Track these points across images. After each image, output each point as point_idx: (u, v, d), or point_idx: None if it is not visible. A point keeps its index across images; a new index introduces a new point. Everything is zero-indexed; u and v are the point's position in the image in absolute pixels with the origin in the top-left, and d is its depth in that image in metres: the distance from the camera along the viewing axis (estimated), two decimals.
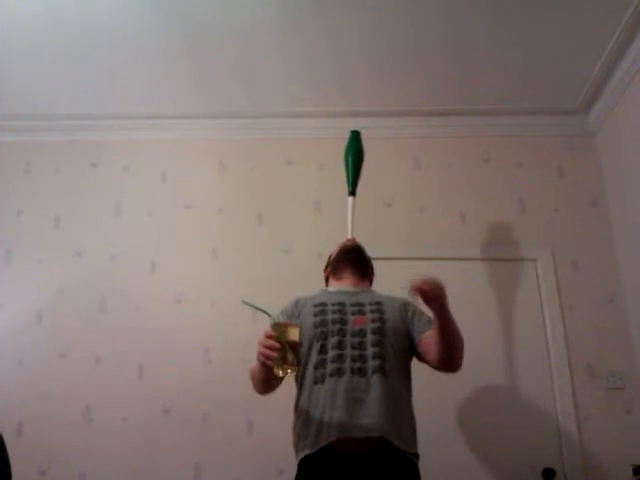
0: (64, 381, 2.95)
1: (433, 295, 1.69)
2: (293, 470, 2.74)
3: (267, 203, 3.29)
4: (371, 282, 2.28)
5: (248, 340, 2.97)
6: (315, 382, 1.86)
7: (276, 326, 1.75)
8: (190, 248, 3.20)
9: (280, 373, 1.73)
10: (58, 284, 3.14)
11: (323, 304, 2.01)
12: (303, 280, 3.06)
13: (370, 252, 3.05)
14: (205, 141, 3.44)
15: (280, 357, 1.69)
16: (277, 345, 1.68)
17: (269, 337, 1.70)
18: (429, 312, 1.85)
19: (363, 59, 3.00)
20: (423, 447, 2.67)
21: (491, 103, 3.30)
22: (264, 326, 3.19)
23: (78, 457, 2.82)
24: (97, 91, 3.23)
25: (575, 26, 2.78)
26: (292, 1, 2.66)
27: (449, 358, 1.87)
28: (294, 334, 1.73)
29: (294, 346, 1.72)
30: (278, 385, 1.97)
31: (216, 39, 2.88)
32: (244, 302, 1.88)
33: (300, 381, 1.94)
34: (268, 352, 1.67)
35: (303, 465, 1.83)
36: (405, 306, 2.04)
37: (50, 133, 3.45)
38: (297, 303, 2.09)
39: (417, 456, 1.87)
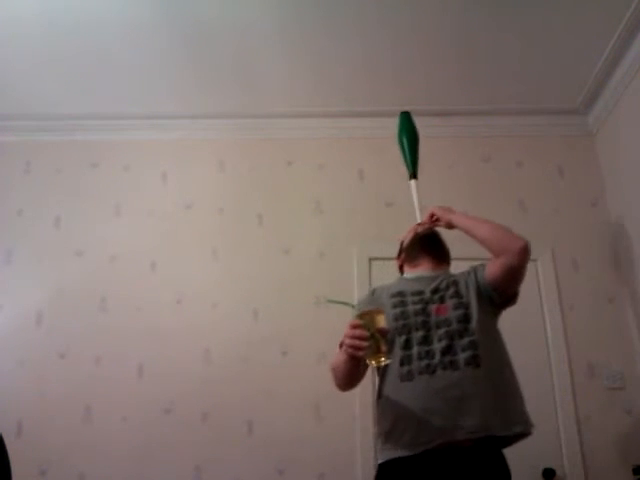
0: (64, 381, 2.95)
1: (438, 220, 1.99)
2: (293, 470, 2.77)
3: (267, 203, 3.29)
4: (449, 263, 2.13)
5: (248, 340, 3.00)
6: (402, 379, 1.75)
7: (362, 315, 1.62)
8: (190, 248, 3.20)
9: (374, 363, 1.61)
10: (58, 284, 3.14)
11: (401, 293, 1.91)
12: (303, 280, 3.08)
13: (370, 252, 3.07)
14: (205, 141, 3.44)
15: (372, 346, 1.57)
16: (367, 334, 1.56)
17: (356, 326, 1.57)
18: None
19: (363, 59, 3.00)
20: None
21: (491, 103, 3.30)
22: (264, 326, 3.21)
23: (78, 457, 2.82)
24: (97, 91, 3.23)
25: (575, 26, 2.78)
26: (292, 1, 2.66)
27: (502, 245, 1.88)
28: (382, 321, 1.61)
29: (384, 334, 1.60)
30: (362, 379, 1.86)
31: (216, 39, 2.88)
32: (329, 300, 1.81)
33: (382, 376, 1.83)
34: (357, 342, 1.55)
35: (394, 465, 1.71)
36: (474, 272, 1.98)
37: (50, 133, 3.45)
38: (374, 293, 2.00)
39: (530, 426, 1.79)
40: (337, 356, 1.79)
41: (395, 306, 1.87)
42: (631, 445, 2.73)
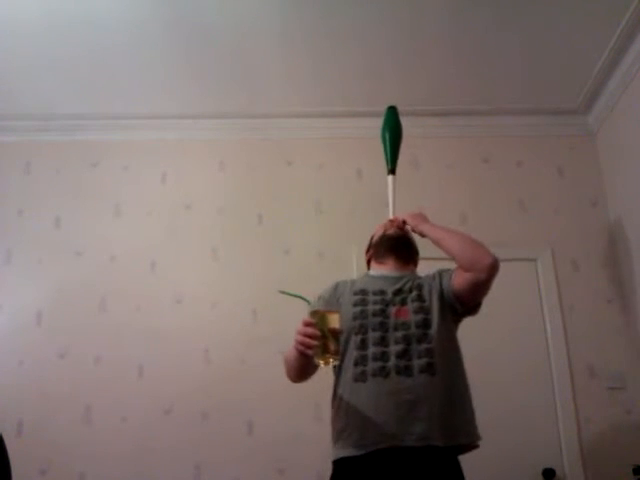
0: (64, 381, 2.95)
1: (412, 227, 1.97)
2: (293, 470, 2.77)
3: (267, 203, 3.29)
4: (416, 265, 2.12)
5: (248, 340, 3.00)
6: (355, 380, 1.74)
7: (315, 313, 1.63)
8: (190, 248, 3.20)
9: (322, 364, 1.61)
10: (58, 284, 3.14)
11: (364, 292, 1.89)
12: (303, 280, 3.06)
13: None
14: (205, 141, 3.44)
15: (321, 346, 1.57)
16: (318, 333, 1.56)
17: (308, 325, 1.58)
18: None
19: (362, 59, 3.00)
20: None
21: (491, 103, 3.30)
22: (264, 326, 3.20)
23: (78, 457, 2.82)
24: (97, 91, 3.23)
25: (575, 26, 2.78)
26: (292, 2, 2.66)
27: (472, 260, 1.84)
28: (335, 321, 1.61)
29: (335, 334, 1.59)
30: (314, 373, 1.84)
31: (216, 39, 2.88)
32: (281, 292, 1.81)
33: (337, 375, 1.83)
34: (307, 341, 1.55)
35: (343, 464, 1.73)
36: (434, 279, 1.95)
37: (50, 133, 3.45)
38: (336, 288, 1.96)
39: (472, 445, 1.82)
40: (290, 349, 1.75)
41: (355, 304, 1.86)
42: (631, 445, 2.73)
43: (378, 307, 1.83)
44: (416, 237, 2.12)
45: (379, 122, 3.38)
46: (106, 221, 3.28)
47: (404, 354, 1.73)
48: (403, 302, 1.84)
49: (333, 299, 1.91)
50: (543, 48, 2.91)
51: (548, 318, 2.97)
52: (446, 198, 3.27)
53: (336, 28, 2.81)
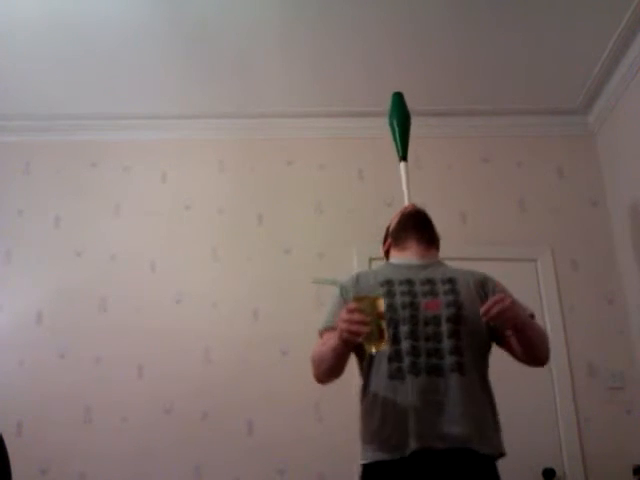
0: (64, 381, 2.95)
1: (507, 318, 1.57)
2: (293, 470, 2.77)
3: (267, 203, 3.29)
4: (438, 249, 2.01)
5: (248, 340, 3.00)
6: (391, 377, 1.65)
7: (361, 299, 1.54)
8: (190, 248, 3.20)
9: (374, 350, 1.54)
10: (58, 284, 3.14)
11: (389, 282, 1.75)
12: (303, 280, 3.07)
13: (370, 252, 3.07)
14: (205, 141, 3.44)
15: (373, 332, 1.49)
16: (367, 319, 1.47)
17: (354, 310, 1.47)
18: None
19: (363, 59, 3.00)
20: None
21: (491, 103, 3.30)
22: (264, 326, 3.20)
23: (78, 457, 2.82)
24: (97, 91, 3.23)
25: (575, 26, 2.78)
26: (292, 1, 2.66)
27: (533, 357, 1.78)
28: (382, 305, 1.54)
29: (383, 319, 1.53)
30: (343, 371, 1.74)
31: (216, 39, 2.88)
32: (315, 281, 1.75)
33: (367, 369, 1.72)
34: (356, 327, 1.45)
35: (378, 468, 1.64)
36: (483, 283, 1.83)
37: (50, 133, 3.45)
38: (358, 280, 1.82)
39: (502, 454, 1.75)
40: (323, 344, 1.70)
41: (341, 287, 1.78)
42: (631, 445, 2.73)
43: (407, 299, 1.71)
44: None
45: (379, 122, 3.39)
46: (106, 221, 3.28)
47: (435, 352, 1.64)
48: (433, 293, 1.73)
49: (356, 287, 1.78)
50: (543, 48, 2.91)
51: (548, 318, 2.97)
52: (446, 198, 3.27)
53: (336, 28, 2.81)
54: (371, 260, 3.06)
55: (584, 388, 2.85)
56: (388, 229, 2.03)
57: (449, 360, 1.64)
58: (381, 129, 3.39)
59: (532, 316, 1.80)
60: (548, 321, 2.96)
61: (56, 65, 3.03)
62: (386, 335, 1.53)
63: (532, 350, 1.73)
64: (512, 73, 3.08)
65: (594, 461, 2.73)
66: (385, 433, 1.62)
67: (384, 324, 1.52)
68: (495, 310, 1.53)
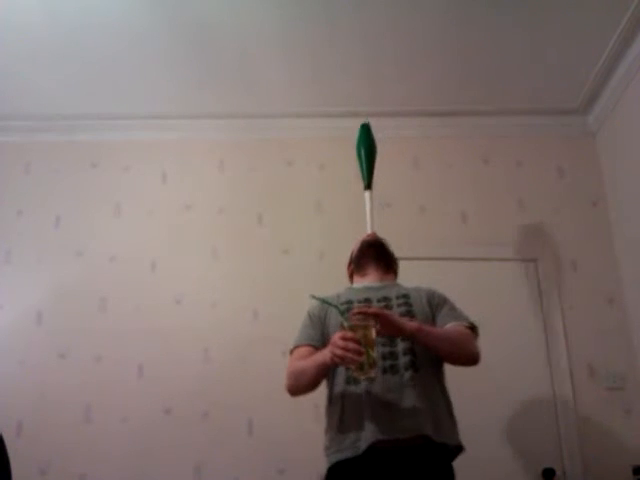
0: (64, 381, 2.95)
1: (388, 331, 1.69)
2: (293, 470, 2.76)
3: (267, 203, 3.29)
4: (396, 275, 2.19)
5: (248, 340, 3.00)
6: (348, 382, 1.79)
7: (356, 328, 1.63)
8: (190, 248, 3.20)
9: (362, 377, 1.66)
10: (58, 284, 3.14)
11: (349, 302, 1.93)
12: (303, 280, 3.07)
13: None
14: (205, 141, 3.44)
15: (364, 361, 1.60)
16: (362, 350, 1.58)
17: (350, 340, 1.58)
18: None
19: (363, 59, 3.00)
20: None
21: (491, 103, 3.30)
22: (264, 326, 3.20)
23: (78, 457, 2.82)
24: (97, 91, 3.23)
25: (575, 26, 2.78)
26: (292, 1, 2.66)
27: (451, 361, 1.88)
28: (374, 334, 1.64)
29: (373, 347, 1.63)
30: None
31: (216, 39, 2.88)
32: (314, 297, 1.86)
33: (331, 380, 1.87)
34: (350, 356, 1.57)
35: (338, 468, 1.75)
36: (430, 297, 1.99)
37: (50, 133, 3.45)
38: (323, 302, 1.98)
39: (460, 447, 1.84)
40: (299, 359, 1.84)
41: (342, 313, 1.87)
42: (631, 445, 2.73)
43: None
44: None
45: (379, 122, 3.39)
46: (106, 221, 3.28)
47: (390, 355, 1.79)
48: (388, 307, 1.89)
49: (322, 314, 1.97)
50: (543, 48, 2.91)
51: (548, 318, 2.97)
52: (446, 198, 3.27)
53: (336, 28, 2.81)
54: None
55: (584, 388, 2.85)
56: (351, 255, 2.23)
57: (403, 360, 1.78)
58: (381, 129, 3.40)
59: (472, 327, 1.93)
60: (548, 321, 2.96)
61: (56, 65, 3.03)
62: (374, 365, 1.63)
63: (441, 355, 1.85)
64: (512, 73, 3.08)
65: (594, 461, 2.73)
66: (342, 434, 1.75)
67: (375, 353, 1.63)
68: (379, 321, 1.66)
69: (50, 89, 3.22)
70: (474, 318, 3.07)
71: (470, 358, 1.85)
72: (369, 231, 2.47)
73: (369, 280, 2.06)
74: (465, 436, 2.78)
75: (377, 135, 3.37)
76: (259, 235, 3.22)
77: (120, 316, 3.06)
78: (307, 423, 2.81)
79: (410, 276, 3.06)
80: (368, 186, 2.64)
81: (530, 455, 2.74)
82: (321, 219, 3.25)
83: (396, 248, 3.14)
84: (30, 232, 3.26)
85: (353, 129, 3.38)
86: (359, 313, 1.66)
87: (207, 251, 3.20)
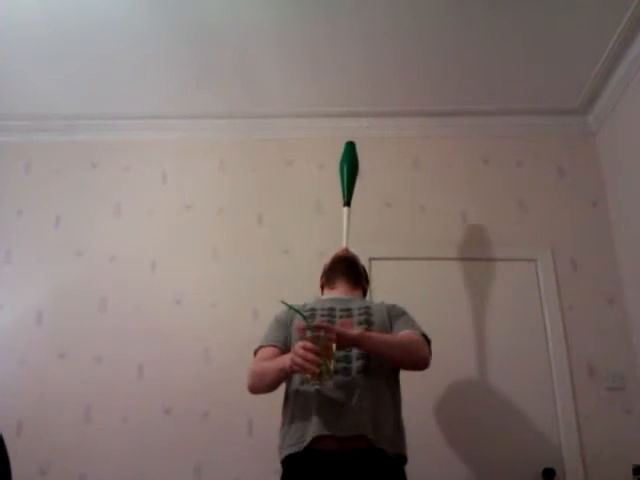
0: (64, 381, 2.95)
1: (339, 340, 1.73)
2: None
3: (267, 203, 3.29)
4: (365, 292, 2.31)
5: (248, 340, 2.99)
6: (302, 382, 1.88)
7: (317, 339, 1.71)
8: (190, 248, 3.20)
9: (317, 385, 1.74)
10: (58, 284, 3.14)
11: (313, 309, 2.05)
12: (303, 280, 3.07)
13: (370, 252, 3.07)
14: (205, 141, 3.45)
15: (322, 372, 1.69)
16: (320, 361, 1.67)
17: (310, 350, 1.66)
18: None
19: (363, 59, 3.00)
20: (423, 446, 2.67)
21: (491, 103, 3.30)
22: (264, 326, 3.20)
23: (78, 457, 2.82)
24: (97, 91, 3.23)
25: (575, 26, 2.78)
26: (292, 1, 2.66)
27: (401, 364, 1.96)
28: (333, 348, 1.73)
29: (331, 360, 1.73)
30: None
31: (216, 39, 2.88)
32: (283, 302, 1.92)
33: (288, 380, 1.96)
34: (308, 366, 1.66)
35: (287, 463, 1.86)
36: (390, 310, 2.08)
37: (50, 133, 3.45)
38: (290, 309, 2.10)
39: (403, 457, 1.88)
40: (262, 359, 1.94)
41: (307, 321, 1.95)
42: (631, 445, 2.72)
43: (325, 319, 1.97)
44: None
45: (379, 122, 3.41)
46: (106, 221, 3.28)
47: (344, 358, 1.87)
48: (349, 316, 1.98)
49: (287, 319, 2.06)
50: (543, 48, 2.91)
51: (548, 318, 2.97)
52: (446, 198, 3.27)
53: (336, 28, 2.81)
54: (371, 260, 3.06)
55: (584, 388, 2.85)
56: (325, 267, 2.33)
57: (356, 364, 1.87)
58: (380, 129, 3.41)
59: (425, 337, 1.97)
60: (548, 321, 2.97)
61: (56, 65, 3.03)
62: (329, 375, 1.70)
63: (388, 359, 1.90)
64: (512, 73, 3.08)
65: (594, 461, 2.73)
66: (292, 430, 1.85)
67: (332, 365, 1.72)
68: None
69: (50, 89, 3.22)
70: (474, 318, 3.09)
71: (418, 362, 1.90)
72: (344, 245, 2.54)
73: (337, 293, 2.17)
74: (465, 436, 2.79)
75: (377, 135, 3.39)
76: (259, 235, 3.22)
77: (120, 316, 3.07)
78: None
79: (410, 276, 3.08)
80: (347, 203, 2.72)
81: (530, 455, 2.74)
82: (321, 219, 3.25)
83: (396, 248, 3.16)
84: (30, 232, 3.26)
85: (353, 129, 3.40)
86: (314, 327, 1.72)
87: (207, 251, 3.20)
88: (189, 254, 3.19)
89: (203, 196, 3.32)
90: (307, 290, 3.04)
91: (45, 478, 2.80)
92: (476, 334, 2.96)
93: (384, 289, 2.99)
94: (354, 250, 3.09)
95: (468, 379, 2.88)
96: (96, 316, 3.07)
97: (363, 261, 3.08)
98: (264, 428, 2.82)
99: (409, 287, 3.01)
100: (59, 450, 2.83)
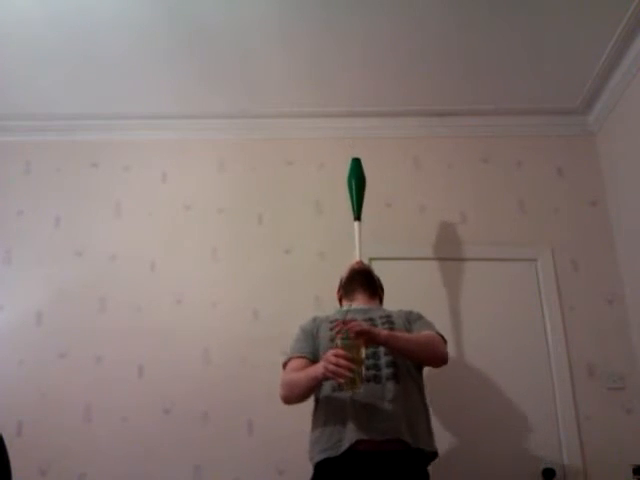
0: (64, 381, 2.95)
1: (357, 330, 1.81)
2: (293, 470, 2.76)
3: (267, 203, 3.29)
4: (381, 300, 2.40)
5: (248, 340, 3.00)
6: (333, 390, 1.96)
7: (349, 347, 1.80)
8: (190, 248, 3.20)
9: (350, 391, 1.83)
10: (58, 284, 3.14)
11: (336, 321, 2.08)
12: (303, 280, 3.08)
13: (370, 252, 3.08)
14: (205, 141, 3.44)
15: (354, 378, 1.78)
16: (353, 367, 1.76)
17: (342, 356, 1.76)
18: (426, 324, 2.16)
19: (363, 59, 3.00)
20: None
21: (491, 103, 3.30)
22: (264, 326, 3.21)
23: (78, 457, 2.82)
24: (97, 91, 3.23)
25: (575, 26, 2.78)
26: (293, 1, 2.66)
27: (422, 361, 2.07)
28: (363, 353, 1.82)
29: (362, 365, 1.81)
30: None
31: (216, 39, 2.88)
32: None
33: (318, 389, 2.02)
34: (341, 371, 1.75)
35: (322, 467, 1.94)
36: (408, 315, 2.21)
37: (50, 133, 3.45)
38: (314, 320, 2.22)
39: (434, 453, 2.00)
40: (293, 370, 2.03)
41: (332, 329, 2.04)
42: (631, 445, 2.72)
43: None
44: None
45: (379, 122, 3.41)
46: (106, 221, 3.28)
47: (374, 366, 1.96)
48: (373, 325, 2.04)
49: (313, 329, 2.16)
50: (543, 48, 2.91)
51: (548, 318, 2.97)
52: (446, 198, 3.27)
53: (336, 28, 2.81)
54: (371, 260, 3.06)
55: (584, 388, 2.85)
56: (341, 281, 2.43)
57: (385, 371, 1.97)
58: (381, 129, 3.41)
59: (442, 337, 2.10)
60: (548, 321, 2.97)
61: (56, 65, 3.03)
62: (361, 380, 1.79)
63: (412, 356, 2.01)
64: (512, 73, 3.08)
65: (594, 461, 2.73)
66: (326, 434, 1.94)
67: (363, 370, 1.82)
68: (354, 329, 1.82)
69: (50, 89, 3.22)
70: (474, 318, 3.09)
71: (438, 358, 2.02)
72: (357, 259, 2.62)
73: (356, 304, 2.25)
74: (465, 435, 2.79)
75: (377, 135, 3.39)
76: (259, 235, 3.22)
77: (120, 316, 3.07)
78: (307, 423, 2.80)
79: (410, 276, 3.08)
80: (357, 217, 2.79)
81: (530, 455, 2.74)
82: (321, 219, 3.25)
83: (396, 248, 3.16)
84: (30, 232, 3.26)
85: (353, 129, 3.41)
86: (343, 326, 1.81)
87: (207, 251, 3.20)
88: (189, 254, 3.19)
89: (203, 196, 3.32)
90: (307, 290, 3.05)
91: (45, 478, 2.80)
92: (476, 334, 2.97)
93: (384, 289, 3.00)
94: (354, 252, 3.11)
95: (468, 379, 2.88)
96: (96, 316, 3.07)
97: (363, 261, 3.10)
98: (264, 428, 2.83)
99: (409, 287, 3.01)
100: (59, 450, 2.83)
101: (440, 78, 3.12)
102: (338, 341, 1.81)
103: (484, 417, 2.82)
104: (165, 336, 3.01)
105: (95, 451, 2.83)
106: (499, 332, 2.96)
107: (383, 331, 1.90)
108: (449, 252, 3.14)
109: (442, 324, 2.93)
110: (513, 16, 2.73)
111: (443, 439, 2.76)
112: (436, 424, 2.76)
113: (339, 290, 2.43)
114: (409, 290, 3.00)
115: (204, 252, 3.19)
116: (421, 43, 2.89)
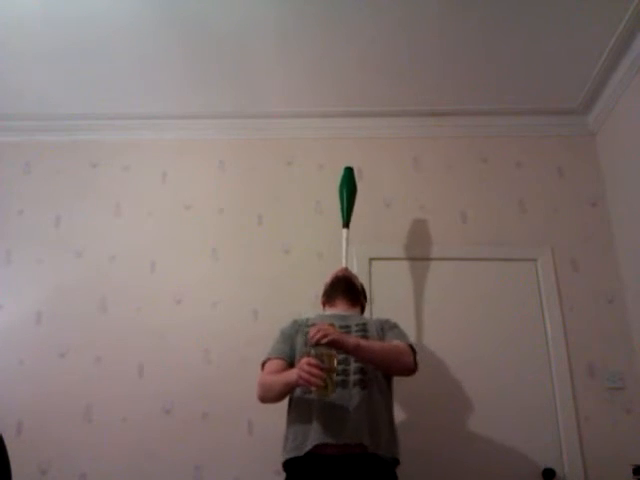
0: (64, 381, 2.95)
1: (321, 337, 1.89)
2: None
3: (267, 203, 3.29)
4: (363, 308, 2.48)
5: (248, 340, 3.00)
6: (304, 392, 2.05)
7: (322, 356, 1.90)
8: (190, 248, 3.20)
9: (321, 397, 1.94)
10: (58, 284, 3.14)
11: (315, 325, 2.13)
12: (303, 280, 3.08)
13: (370, 252, 3.08)
14: (205, 141, 3.45)
15: (326, 385, 1.88)
16: (324, 376, 1.86)
17: (315, 366, 1.85)
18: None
19: (363, 59, 3.00)
20: (423, 447, 2.67)
21: (491, 103, 3.30)
22: (264, 326, 3.21)
23: (78, 457, 2.82)
24: (97, 91, 3.23)
25: (575, 26, 2.78)
26: (293, 2, 2.66)
27: (388, 370, 2.13)
28: (335, 362, 1.92)
29: (334, 373, 1.92)
30: None
31: (216, 39, 2.88)
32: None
33: (292, 393, 2.11)
34: (314, 380, 1.84)
35: (288, 467, 2.04)
36: (385, 322, 2.29)
37: (50, 133, 3.45)
38: (294, 323, 2.31)
39: (396, 460, 2.05)
40: (274, 376, 2.09)
41: (306, 334, 2.13)
42: (631, 445, 2.73)
43: None
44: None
45: (379, 122, 3.41)
46: (106, 221, 3.28)
47: (343, 372, 2.03)
48: (347, 332, 2.12)
49: (293, 332, 2.26)
50: (543, 48, 2.91)
51: (548, 318, 2.97)
52: (446, 198, 3.27)
53: (336, 28, 2.81)
54: (371, 260, 3.06)
55: (584, 388, 2.85)
56: (325, 286, 2.50)
57: (353, 378, 2.04)
58: (380, 129, 3.41)
59: (412, 348, 2.14)
60: (548, 321, 2.97)
61: (56, 65, 3.04)
62: (331, 388, 1.90)
63: (378, 365, 2.07)
64: (512, 73, 3.08)
65: (594, 461, 2.73)
66: (292, 434, 2.03)
67: (334, 378, 1.92)
68: (316, 336, 1.90)
69: (50, 89, 3.22)
70: (474, 318, 3.09)
71: (404, 368, 2.07)
72: (343, 265, 2.66)
73: (337, 310, 2.35)
74: (465, 435, 2.79)
75: (377, 135, 3.39)
76: (259, 235, 3.22)
77: (120, 316, 3.07)
78: None
79: (410, 276, 3.08)
80: (346, 224, 2.82)
81: (530, 455, 2.74)
82: (321, 219, 3.25)
83: (396, 248, 3.16)
84: (30, 232, 3.26)
85: (353, 129, 3.41)
86: (316, 334, 1.89)
87: (207, 251, 3.20)
88: (189, 254, 3.19)
89: (203, 196, 3.32)
90: (307, 290, 3.05)
91: (45, 478, 2.80)
92: (476, 334, 2.96)
93: (384, 289, 3.00)
94: (355, 250, 3.12)
95: (468, 379, 2.88)
96: (96, 316, 3.07)
97: (363, 261, 3.11)
98: (264, 428, 2.82)
99: (409, 287, 3.01)
100: (59, 450, 2.83)
101: (440, 78, 3.12)
102: (312, 350, 1.90)
103: (484, 417, 2.82)
104: (165, 336, 3.01)
105: (95, 451, 2.83)
106: (499, 332, 2.96)
107: (351, 339, 1.95)
108: (449, 252, 3.14)
109: (442, 324, 2.94)
110: (513, 16, 2.73)
111: (443, 439, 2.76)
112: (436, 424, 2.77)
113: (323, 295, 2.50)
114: (409, 290, 3.00)
115: (204, 252, 3.19)
116: (421, 43, 2.90)
